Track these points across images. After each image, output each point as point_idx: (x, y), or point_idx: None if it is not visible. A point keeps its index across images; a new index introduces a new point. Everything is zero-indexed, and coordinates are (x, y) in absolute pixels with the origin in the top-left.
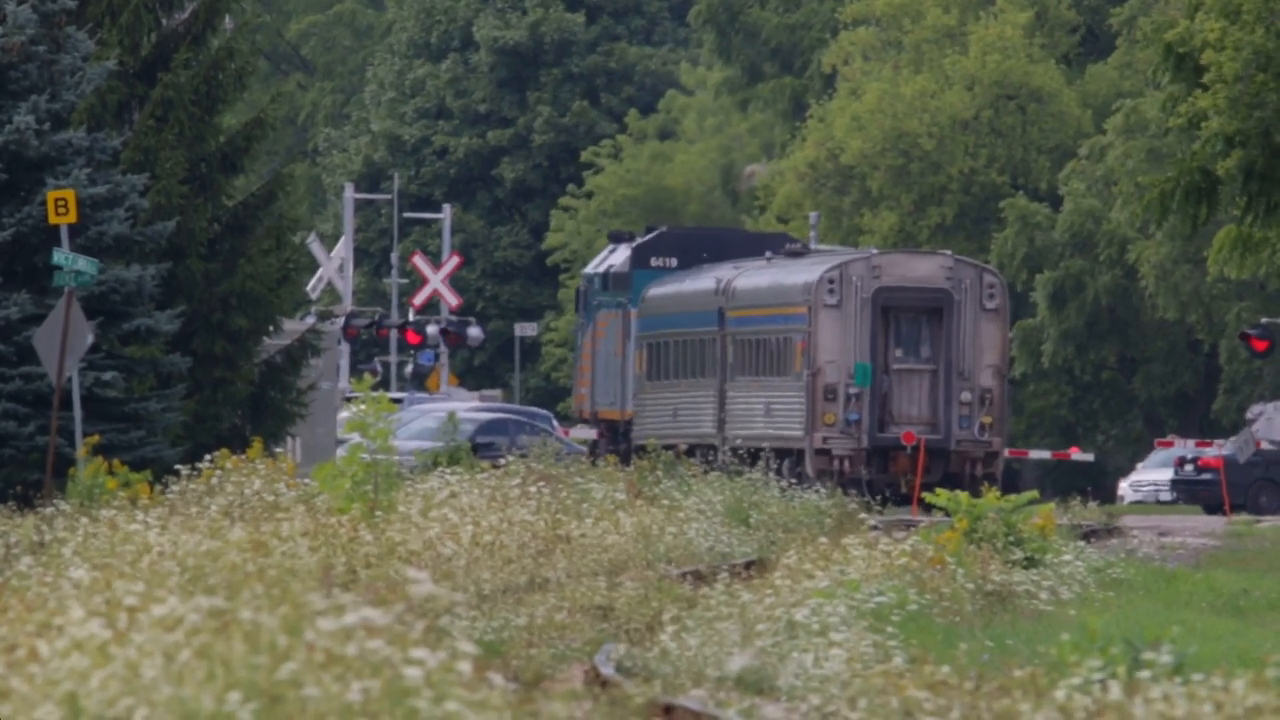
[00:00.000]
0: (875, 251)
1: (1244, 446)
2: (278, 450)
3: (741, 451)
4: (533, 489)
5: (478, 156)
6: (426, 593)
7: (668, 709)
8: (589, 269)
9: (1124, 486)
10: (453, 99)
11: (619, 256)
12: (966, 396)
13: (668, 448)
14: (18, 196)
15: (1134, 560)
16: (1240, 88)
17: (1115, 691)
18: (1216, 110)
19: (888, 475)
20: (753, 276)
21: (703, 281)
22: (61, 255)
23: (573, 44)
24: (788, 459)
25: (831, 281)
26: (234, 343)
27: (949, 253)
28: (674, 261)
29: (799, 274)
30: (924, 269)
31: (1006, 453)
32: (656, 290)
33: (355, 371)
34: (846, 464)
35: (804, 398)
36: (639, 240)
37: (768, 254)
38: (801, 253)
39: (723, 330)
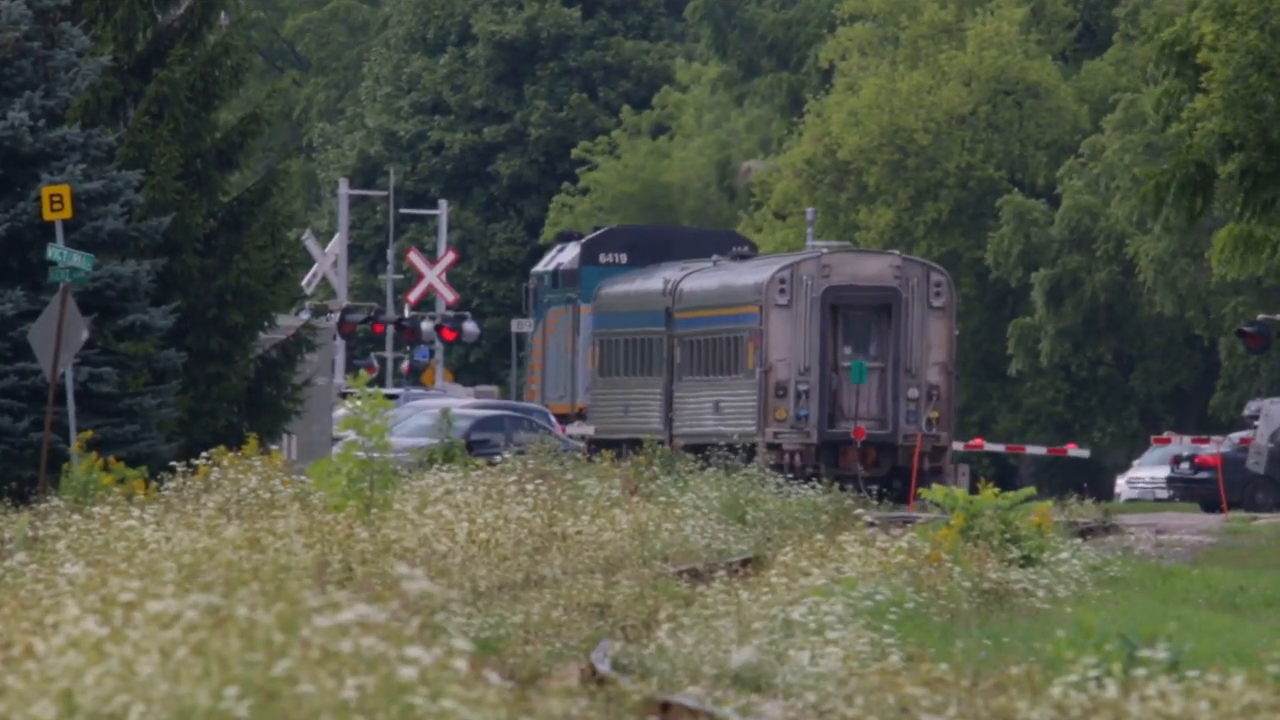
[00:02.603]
0: (825, 251)
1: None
2: (273, 447)
3: (688, 448)
4: (529, 486)
5: (474, 152)
6: (422, 590)
7: (664, 706)
8: (538, 268)
9: (1121, 484)
10: (449, 93)
11: (568, 254)
12: (914, 393)
13: (618, 442)
14: (13, 192)
15: (1131, 558)
16: (1236, 88)
17: (1111, 689)
18: (1213, 110)
19: (837, 469)
20: (700, 279)
21: (651, 282)
22: (56, 251)
23: (569, 39)
24: (738, 455)
25: (782, 281)
26: (229, 338)
27: (896, 252)
28: (624, 257)
29: (749, 275)
30: (872, 268)
31: (955, 446)
32: (608, 288)
33: (351, 367)
34: (797, 458)
35: (756, 395)
36: (588, 236)
37: (714, 257)
38: (747, 255)
39: (670, 331)
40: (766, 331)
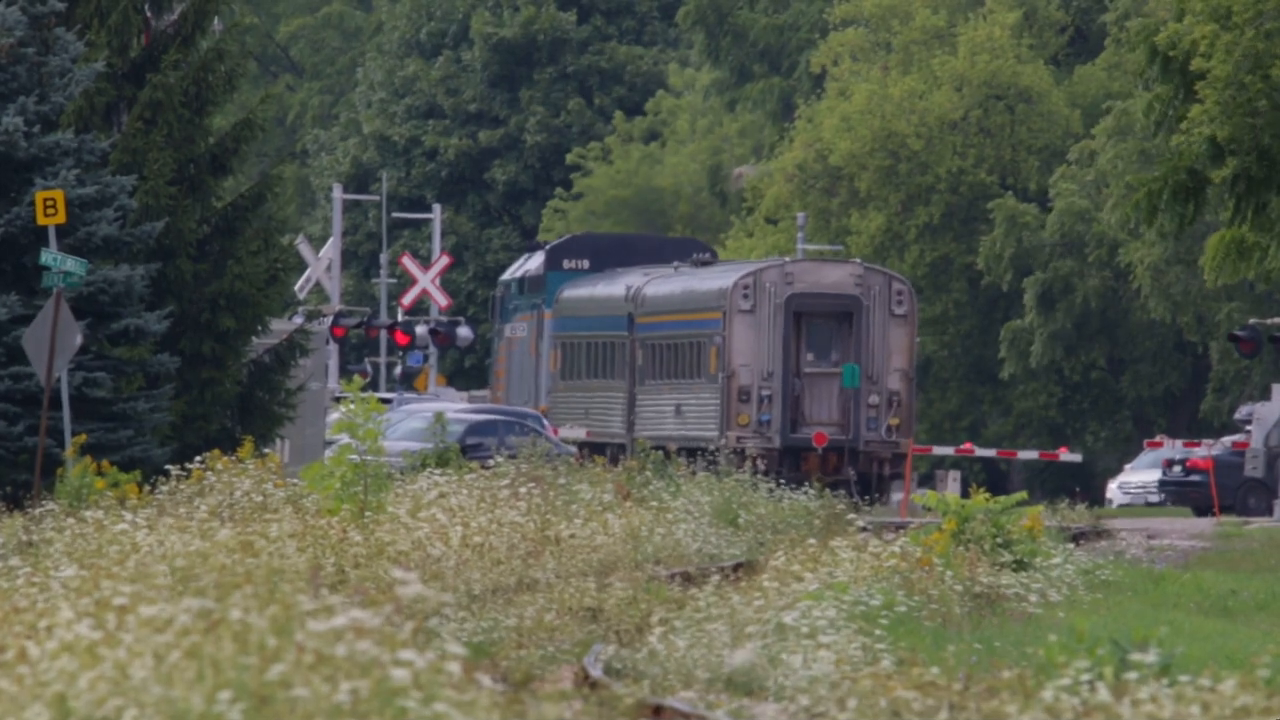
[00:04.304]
0: (788, 259)
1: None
2: (266, 451)
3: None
4: (522, 490)
5: (468, 158)
6: (415, 594)
7: (656, 710)
8: (505, 276)
9: (1112, 488)
10: (444, 97)
11: (534, 262)
12: (874, 399)
13: (579, 445)
14: (6, 197)
15: (1122, 562)
16: (1231, 92)
17: (1103, 692)
18: (1208, 115)
19: (799, 474)
20: (662, 284)
21: (614, 287)
22: (50, 256)
23: (565, 43)
24: (699, 458)
25: (746, 287)
26: (222, 343)
27: (858, 260)
28: (586, 263)
29: (712, 281)
30: (834, 276)
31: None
32: (570, 293)
33: (344, 372)
34: (759, 463)
35: (719, 399)
36: (552, 243)
37: (675, 264)
38: (709, 262)
39: (632, 335)
40: (730, 337)
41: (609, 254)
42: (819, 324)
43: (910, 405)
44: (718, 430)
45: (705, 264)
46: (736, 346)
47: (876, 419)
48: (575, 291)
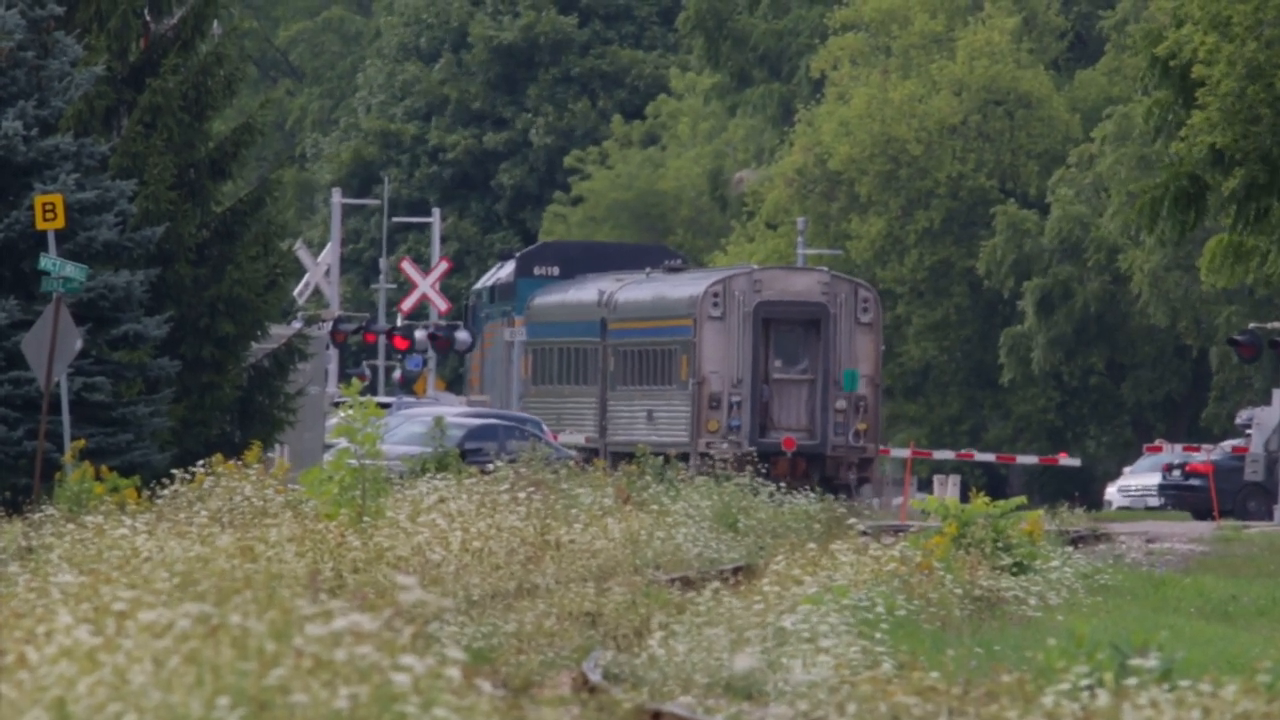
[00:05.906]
0: (756, 267)
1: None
2: (269, 455)
3: (621, 456)
4: (521, 495)
5: (472, 159)
6: (415, 598)
7: (656, 715)
8: (478, 285)
9: (1112, 491)
10: (449, 89)
11: (504, 270)
12: (841, 405)
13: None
14: (6, 202)
15: (1122, 566)
16: (1234, 101)
17: (1103, 697)
18: (1210, 124)
19: (768, 479)
20: (634, 291)
21: (586, 293)
22: (49, 261)
23: (566, 45)
24: (670, 463)
25: (715, 295)
26: (222, 348)
27: (825, 269)
28: (555, 270)
29: (683, 288)
30: (802, 284)
31: (881, 452)
32: (543, 299)
33: (344, 377)
34: (729, 468)
35: (689, 405)
36: (522, 251)
37: (647, 270)
38: (680, 269)
39: (604, 341)
40: (700, 344)
41: (578, 261)
42: (787, 331)
43: (876, 410)
44: (688, 436)
45: (676, 271)
46: (707, 353)
47: (844, 424)
48: (547, 298)
